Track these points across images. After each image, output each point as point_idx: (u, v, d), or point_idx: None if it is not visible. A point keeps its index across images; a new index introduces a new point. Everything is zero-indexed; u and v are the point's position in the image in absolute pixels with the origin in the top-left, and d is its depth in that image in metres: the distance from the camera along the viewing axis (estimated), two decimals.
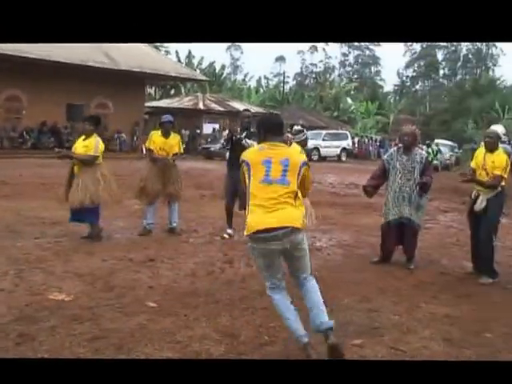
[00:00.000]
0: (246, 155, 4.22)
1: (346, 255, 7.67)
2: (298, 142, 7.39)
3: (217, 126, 34.50)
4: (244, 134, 8.14)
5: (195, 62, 52.08)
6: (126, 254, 7.07)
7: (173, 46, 56.64)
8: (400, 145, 7.25)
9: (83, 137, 7.87)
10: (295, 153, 4.46)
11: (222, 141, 9.11)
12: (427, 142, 28.56)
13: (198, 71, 45.68)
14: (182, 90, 46.51)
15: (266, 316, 4.91)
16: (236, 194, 7.90)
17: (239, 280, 6.10)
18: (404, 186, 6.93)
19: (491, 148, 6.54)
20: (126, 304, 5.18)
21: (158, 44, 50.62)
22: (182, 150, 8.79)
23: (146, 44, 35.84)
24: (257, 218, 3.98)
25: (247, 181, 4.15)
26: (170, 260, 6.88)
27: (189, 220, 9.72)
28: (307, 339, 3.97)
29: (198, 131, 33.69)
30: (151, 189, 8.48)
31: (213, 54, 64.13)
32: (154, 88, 48.75)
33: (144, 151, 8.75)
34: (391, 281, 6.39)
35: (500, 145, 6.78)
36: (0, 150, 23.77)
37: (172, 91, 48.41)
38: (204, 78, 39.74)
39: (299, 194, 4.10)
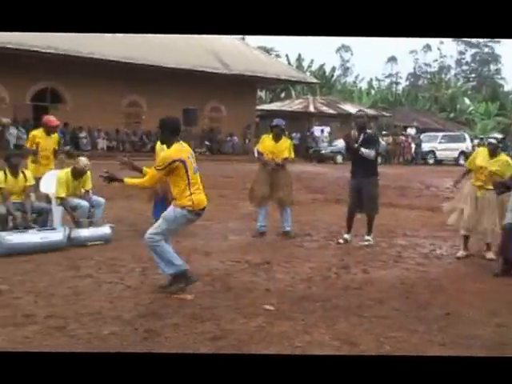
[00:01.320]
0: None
1: (468, 264, 7.34)
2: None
3: (328, 129, 34.35)
4: (360, 140, 8.00)
5: (305, 64, 52.11)
6: (242, 256, 7.20)
7: (283, 50, 57.21)
8: None
9: None
10: None
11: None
12: None
13: (308, 74, 45.72)
14: (293, 93, 46.68)
15: (386, 325, 4.81)
16: (359, 200, 7.97)
17: (356, 286, 6.03)
18: None
19: None
20: (243, 305, 5.26)
21: (269, 47, 51.32)
22: (292, 155, 8.76)
23: (257, 48, 36.47)
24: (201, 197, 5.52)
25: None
26: (285, 263, 6.92)
27: (302, 224, 9.73)
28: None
29: (309, 134, 33.69)
30: (259, 192, 8.59)
31: (323, 56, 63.98)
32: (264, 91, 49.34)
33: (256, 154, 8.83)
34: None
35: None
36: (122, 152, 24.98)
37: (282, 94, 48.73)
38: (314, 80, 39.67)
39: None
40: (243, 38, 40.08)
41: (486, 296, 5.86)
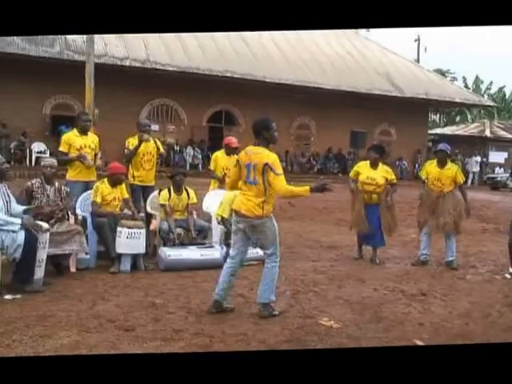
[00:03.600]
0: None
1: None
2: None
3: (505, 155, 32.32)
4: None
5: (483, 87, 49.58)
6: (397, 285, 6.93)
7: (460, 72, 54.97)
8: None
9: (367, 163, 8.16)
10: None
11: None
12: None
13: (485, 96, 43.45)
14: (468, 117, 44.64)
15: None
16: None
17: None
18: None
19: None
20: (392, 338, 5.03)
21: (445, 70, 49.57)
22: (461, 180, 8.30)
23: (431, 70, 35.40)
24: None
25: None
26: (443, 296, 6.53)
27: (467, 255, 9.18)
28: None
29: (485, 160, 31.93)
30: (422, 217, 8.23)
31: (503, 78, 60.34)
32: (438, 115, 47.71)
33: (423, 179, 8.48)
34: None
35: None
36: (291, 173, 25.48)
37: (457, 118, 46.79)
38: (491, 103, 37.62)
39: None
40: (417, 61, 39.22)
41: None
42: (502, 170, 30.11)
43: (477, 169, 30.61)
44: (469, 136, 33.25)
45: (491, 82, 49.84)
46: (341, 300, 6.16)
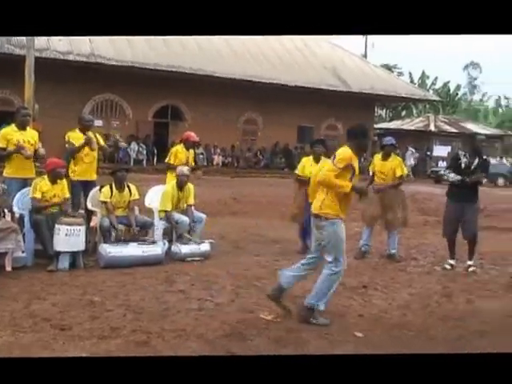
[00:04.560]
0: None
1: None
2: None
3: (449, 149, 33.08)
4: (475, 164, 7.52)
5: (429, 82, 50.64)
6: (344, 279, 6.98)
7: (406, 67, 56.03)
8: None
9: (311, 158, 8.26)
10: None
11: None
12: None
13: (431, 92, 44.39)
14: (414, 112, 45.54)
15: None
16: (457, 223, 7.61)
17: (457, 317, 5.63)
18: None
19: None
20: (333, 331, 5.06)
21: (391, 65, 50.41)
22: (400, 172, 8.40)
23: (378, 65, 35.92)
24: None
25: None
26: (384, 288, 6.62)
27: (409, 247, 9.35)
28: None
29: (429, 153, 32.62)
30: (370, 212, 8.34)
31: (448, 73, 61.78)
32: (384, 110, 48.50)
33: (371, 173, 8.61)
34: None
35: None
36: (236, 169, 25.50)
37: (403, 113, 47.66)
38: (436, 98, 38.47)
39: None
40: (365, 56, 39.70)
41: None
42: (445, 163, 30.81)
43: (410, 162, 31.24)
44: (414, 130, 33.90)
45: (436, 78, 51.02)
46: None
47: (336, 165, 5.14)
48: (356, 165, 5.27)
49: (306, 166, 8.38)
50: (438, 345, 4.82)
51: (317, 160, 8.23)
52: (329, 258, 5.23)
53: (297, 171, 8.61)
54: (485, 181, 7.59)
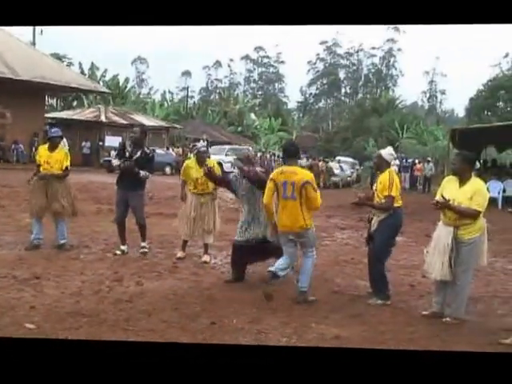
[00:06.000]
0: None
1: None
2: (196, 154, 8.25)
3: (120, 139, 33.84)
4: (136, 157, 8.05)
5: (99, 73, 50.97)
6: (10, 271, 6.76)
7: (76, 58, 55.42)
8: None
9: None
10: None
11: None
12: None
13: (101, 83, 44.70)
14: (85, 102, 45.34)
15: (150, 338, 4.79)
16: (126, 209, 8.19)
17: (127, 299, 5.93)
18: None
19: (377, 169, 6.89)
20: (4, 325, 4.92)
21: (62, 54, 49.40)
22: (68, 163, 8.44)
23: (48, 54, 34.87)
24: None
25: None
26: (56, 278, 6.62)
27: (82, 235, 9.44)
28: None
29: (101, 143, 32.91)
30: (35, 204, 8.25)
31: (117, 66, 62.98)
32: (55, 99, 47.29)
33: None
34: (283, 300, 6.24)
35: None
36: None
37: (74, 103, 47.11)
38: (105, 89, 38.93)
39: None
40: (33, 44, 38.00)
41: (253, 304, 6.05)
42: (115, 153, 31.45)
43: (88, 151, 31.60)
44: (85, 120, 33.82)
45: (106, 70, 51.64)
46: None
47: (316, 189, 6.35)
48: None
49: None
50: (106, 328, 5.02)
51: None
52: (310, 249, 6.36)
53: None
54: (147, 174, 8.13)
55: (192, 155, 9.27)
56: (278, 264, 6.19)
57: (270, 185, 6.20)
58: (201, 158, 8.09)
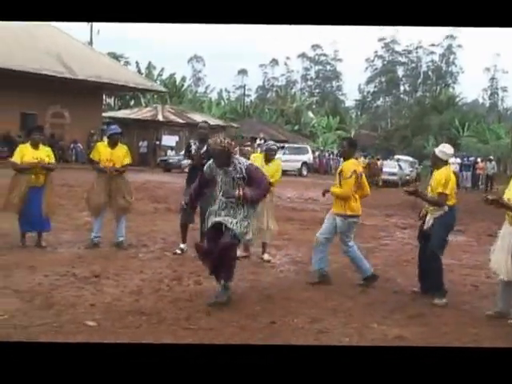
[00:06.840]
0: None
1: (298, 272, 7.50)
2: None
3: (176, 138, 34.19)
4: (203, 151, 7.87)
5: (155, 73, 51.72)
6: (70, 270, 6.80)
7: (133, 57, 56.40)
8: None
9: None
10: None
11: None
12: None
13: (158, 82, 45.33)
14: (142, 101, 46.06)
15: (211, 337, 4.72)
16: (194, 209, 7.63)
17: (186, 298, 5.88)
18: None
19: (433, 166, 6.82)
20: (64, 322, 4.93)
21: (119, 54, 50.32)
22: (130, 161, 8.48)
23: (105, 54, 35.56)
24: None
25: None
26: (115, 276, 6.62)
27: (140, 234, 9.46)
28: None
29: (158, 143, 33.30)
30: (96, 201, 8.25)
31: (174, 65, 63.67)
32: (113, 98, 48.21)
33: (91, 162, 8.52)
34: (342, 300, 6.20)
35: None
36: None
37: (132, 102, 47.91)
38: (163, 89, 39.45)
39: None
40: (90, 43, 38.86)
41: (312, 303, 5.97)
42: (174, 152, 31.77)
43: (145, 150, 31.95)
44: (142, 120, 34.30)
45: (163, 69, 52.31)
46: (8, 290, 5.80)
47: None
48: None
49: (26, 153, 7.98)
50: (166, 326, 4.98)
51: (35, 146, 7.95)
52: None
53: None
54: None
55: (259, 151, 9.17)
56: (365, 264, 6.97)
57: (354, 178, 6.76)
58: (269, 156, 7.99)
